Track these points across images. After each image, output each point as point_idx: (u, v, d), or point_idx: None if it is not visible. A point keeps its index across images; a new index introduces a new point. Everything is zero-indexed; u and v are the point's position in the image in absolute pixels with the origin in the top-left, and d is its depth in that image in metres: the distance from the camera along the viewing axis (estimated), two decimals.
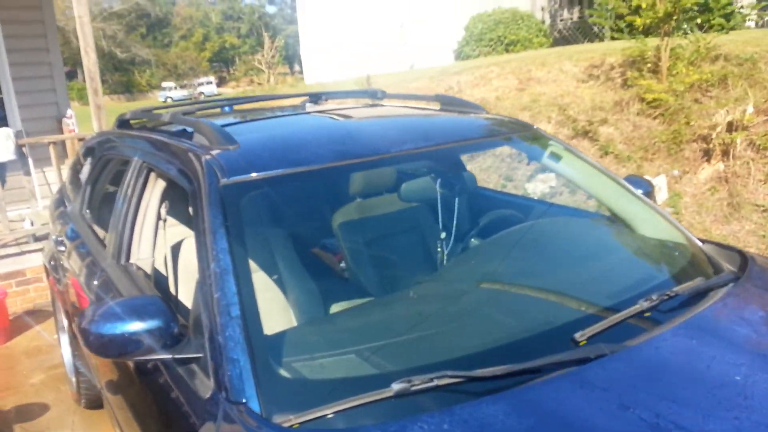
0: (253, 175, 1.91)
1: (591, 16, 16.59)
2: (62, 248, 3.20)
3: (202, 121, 2.24)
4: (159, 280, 2.49)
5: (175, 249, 2.54)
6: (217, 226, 1.76)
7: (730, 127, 5.48)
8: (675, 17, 6.25)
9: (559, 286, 1.86)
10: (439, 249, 2.41)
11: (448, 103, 2.94)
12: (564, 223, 2.48)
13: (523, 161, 5.96)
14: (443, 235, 2.42)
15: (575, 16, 17.20)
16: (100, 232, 2.90)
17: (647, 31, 6.82)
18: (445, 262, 2.40)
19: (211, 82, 42.98)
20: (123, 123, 3.13)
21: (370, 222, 2.35)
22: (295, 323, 1.93)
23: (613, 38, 14.06)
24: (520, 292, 1.89)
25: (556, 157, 2.52)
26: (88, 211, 3.21)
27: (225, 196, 1.83)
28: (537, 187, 5.20)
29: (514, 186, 5.87)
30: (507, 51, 15.79)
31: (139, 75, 49.01)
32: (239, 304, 1.53)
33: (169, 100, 40.39)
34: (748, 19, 9.04)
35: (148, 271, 2.45)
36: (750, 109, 5.43)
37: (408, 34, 17.30)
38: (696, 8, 6.73)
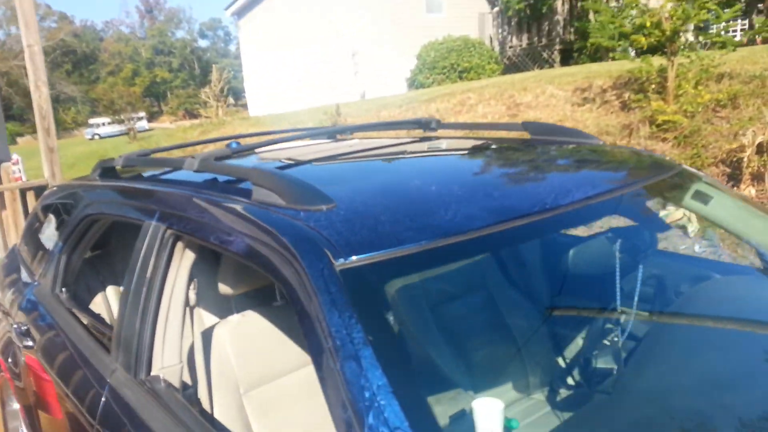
0: (384, 254, 1.25)
1: (540, 42, 16.68)
2: (29, 343, 2.28)
3: (265, 170, 1.58)
4: (191, 396, 1.73)
5: (206, 343, 1.90)
6: (341, 332, 1.16)
7: (760, 149, 5.05)
8: (681, 36, 5.85)
9: None
10: (617, 332, 1.66)
11: (544, 131, 2.27)
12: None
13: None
14: (624, 316, 1.68)
15: (524, 43, 17.18)
16: (93, 324, 2.05)
17: (645, 51, 6.40)
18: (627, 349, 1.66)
19: (142, 118, 41.10)
20: (107, 171, 2.28)
21: (537, 293, 1.61)
22: None
23: (589, 61, 13.95)
24: None
25: (705, 197, 1.87)
26: (64, 290, 2.33)
27: (346, 285, 1.21)
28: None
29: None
30: (461, 78, 15.50)
31: (64, 113, 46.63)
32: None
33: (96, 137, 38.33)
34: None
35: (176, 383, 1.69)
36: None
37: (359, 63, 16.76)
38: (702, 25, 6.37)
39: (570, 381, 1.63)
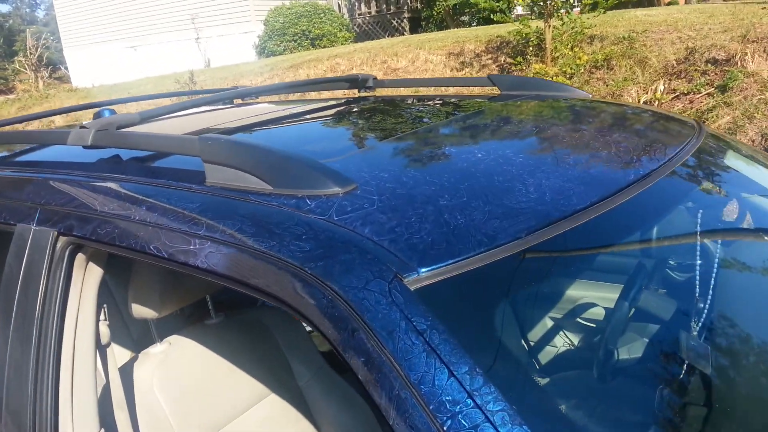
0: (477, 257, 0.85)
1: (389, 10, 16.52)
2: None
3: (225, 139, 1.11)
4: None
5: (126, 388, 1.44)
6: (450, 401, 0.73)
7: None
8: None
9: None
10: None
11: (514, 85, 1.94)
12: None
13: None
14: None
15: (373, 10, 16.97)
16: None
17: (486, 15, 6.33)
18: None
19: None
20: None
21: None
22: None
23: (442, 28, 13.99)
24: None
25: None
26: None
27: (433, 313, 0.79)
28: None
29: None
30: (313, 46, 14.92)
31: None
32: None
33: None
34: None
35: None
36: (661, 87, 5.16)
37: (201, 29, 15.43)
38: None
39: None
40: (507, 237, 0.87)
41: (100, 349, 1.43)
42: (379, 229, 0.88)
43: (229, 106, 2.31)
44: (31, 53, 14.37)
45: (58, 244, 1.24)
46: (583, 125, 1.47)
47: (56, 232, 1.24)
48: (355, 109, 1.90)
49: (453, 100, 1.94)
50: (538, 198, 0.97)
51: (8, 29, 52.74)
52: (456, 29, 10.22)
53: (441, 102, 1.93)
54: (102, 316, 1.41)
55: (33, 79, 13.92)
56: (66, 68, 17.73)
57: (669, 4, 12.15)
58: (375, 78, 2.25)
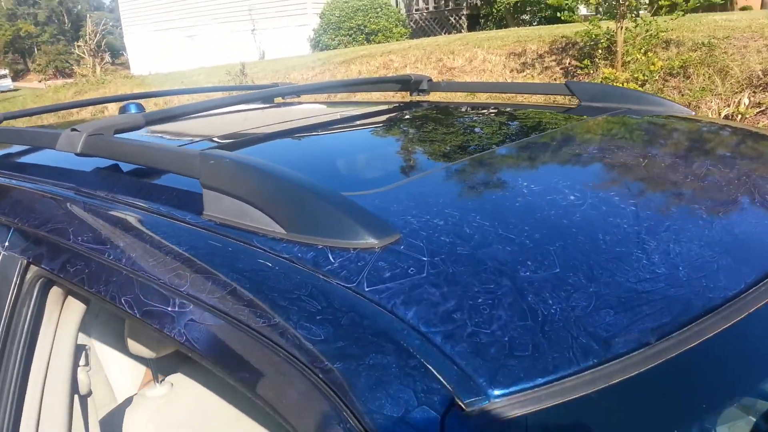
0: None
1: (447, 6, 16.09)
2: None
3: (226, 155, 0.85)
4: None
5: None
6: None
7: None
8: None
9: None
10: None
11: (599, 96, 1.60)
12: None
13: None
14: None
15: (431, 6, 16.61)
16: None
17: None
18: None
19: (5, 76, 36.61)
20: None
21: None
22: None
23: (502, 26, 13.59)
24: None
25: None
26: None
27: None
28: None
29: None
30: (368, 41, 14.69)
31: None
32: None
33: None
34: None
35: None
36: (746, 101, 4.68)
37: (257, 21, 15.41)
38: None
39: None
40: (629, 343, 0.56)
41: (81, 399, 1.19)
42: (430, 313, 0.59)
43: (268, 105, 2.06)
44: (90, 38, 14.57)
45: (28, 275, 0.99)
46: (712, 159, 1.11)
47: (26, 261, 0.99)
48: (405, 119, 1.60)
49: (527, 112, 1.61)
50: (668, 275, 0.65)
51: (76, 14, 54.51)
52: (516, 28, 9.78)
53: (512, 114, 1.61)
54: (82, 361, 1.16)
55: (91, 65, 14.11)
56: (123, 56, 17.99)
57: (743, 9, 11.39)
58: (430, 80, 1.95)
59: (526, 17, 15.19)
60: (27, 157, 1.42)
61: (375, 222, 0.72)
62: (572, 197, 0.83)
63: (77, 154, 1.04)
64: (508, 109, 1.67)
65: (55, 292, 1.03)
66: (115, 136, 1.09)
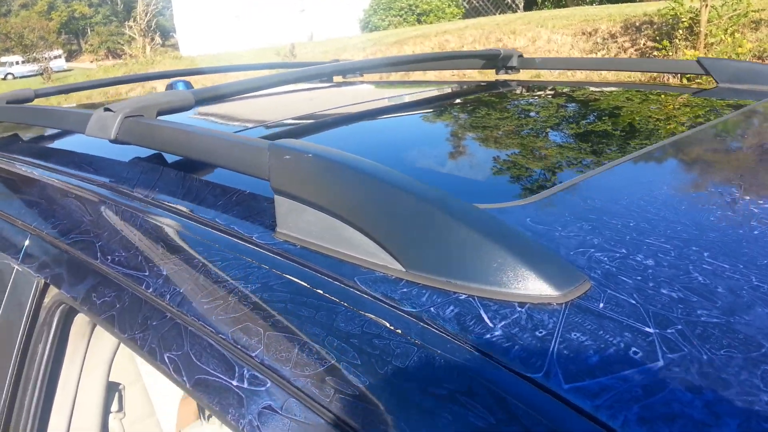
0: None
1: None
2: None
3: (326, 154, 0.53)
4: None
5: None
6: None
7: None
8: None
9: None
10: None
11: (739, 76, 1.26)
12: None
13: None
14: None
15: None
16: None
17: None
18: None
19: (59, 56, 37.53)
20: None
21: None
22: None
23: (561, 5, 13.03)
24: None
25: None
26: None
27: None
28: None
29: None
30: (419, 22, 14.28)
31: None
32: None
33: (9, 77, 35.00)
34: None
35: None
36: None
37: (306, 0, 15.15)
38: None
39: None
40: None
41: None
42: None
43: (328, 84, 1.77)
44: (140, 18, 14.57)
45: (46, 299, 0.74)
46: None
47: (43, 281, 0.73)
48: (508, 101, 1.28)
49: (661, 96, 1.26)
50: None
51: None
52: (580, 7, 9.22)
53: (646, 97, 1.26)
54: (115, 406, 0.91)
55: (141, 45, 14.11)
56: (173, 38, 18.00)
57: None
58: (521, 55, 1.65)
59: None
60: (55, 143, 1.17)
61: (554, 262, 0.42)
62: None
63: (111, 141, 0.78)
64: (631, 92, 1.32)
65: (80, 321, 0.77)
66: (159, 118, 0.81)
